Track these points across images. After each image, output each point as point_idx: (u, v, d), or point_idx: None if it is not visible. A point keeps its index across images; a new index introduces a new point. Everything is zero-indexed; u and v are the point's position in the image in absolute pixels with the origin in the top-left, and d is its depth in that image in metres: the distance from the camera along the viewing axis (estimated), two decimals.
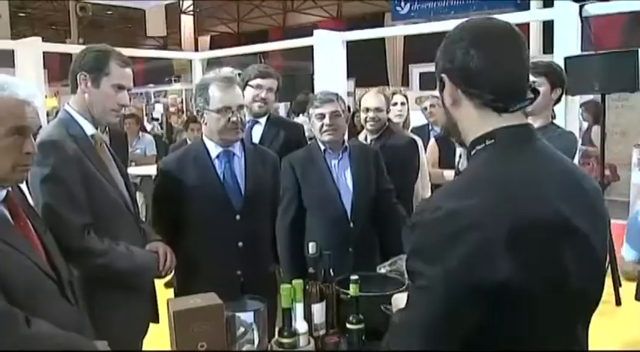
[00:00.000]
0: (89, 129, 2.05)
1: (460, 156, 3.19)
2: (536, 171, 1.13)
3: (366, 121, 3.41)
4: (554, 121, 2.84)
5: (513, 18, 4.46)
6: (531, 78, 2.61)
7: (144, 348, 2.25)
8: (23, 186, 1.75)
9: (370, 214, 2.78)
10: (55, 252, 1.67)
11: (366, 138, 3.50)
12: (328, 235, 2.60)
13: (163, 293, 2.25)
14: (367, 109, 3.40)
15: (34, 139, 1.58)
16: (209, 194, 2.31)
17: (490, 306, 1.04)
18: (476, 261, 1.02)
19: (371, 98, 3.42)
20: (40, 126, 1.62)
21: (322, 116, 2.69)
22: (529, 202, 1.07)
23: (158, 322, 2.24)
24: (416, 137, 3.89)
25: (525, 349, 1.10)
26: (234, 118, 2.28)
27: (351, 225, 2.71)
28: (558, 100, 2.74)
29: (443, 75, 1.19)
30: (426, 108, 4.59)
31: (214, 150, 2.37)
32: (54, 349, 1.48)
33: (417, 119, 4.82)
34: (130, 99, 2.14)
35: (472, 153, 1.18)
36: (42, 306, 1.52)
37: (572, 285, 1.10)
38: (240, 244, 2.32)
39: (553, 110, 2.84)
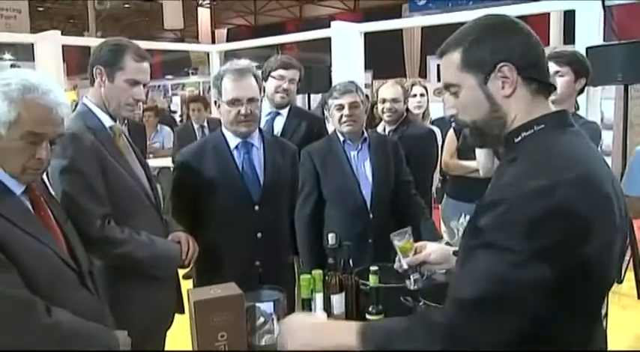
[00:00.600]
0: (107, 121, 2.06)
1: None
2: (590, 153, 1.20)
3: (383, 112, 3.43)
4: (578, 112, 2.80)
5: (534, 8, 4.42)
6: (555, 67, 2.58)
7: (167, 339, 2.26)
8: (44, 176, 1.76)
9: (389, 205, 2.77)
10: (76, 242, 1.69)
11: (384, 130, 3.49)
12: (348, 226, 2.60)
13: (182, 285, 2.26)
14: (384, 100, 3.43)
15: (53, 145, 1.56)
16: (227, 185, 2.31)
17: (566, 285, 1.08)
18: (569, 238, 1.07)
19: (388, 89, 3.45)
20: (62, 134, 1.59)
21: (341, 107, 2.69)
22: (603, 183, 1.13)
23: (183, 312, 2.25)
24: (435, 128, 3.86)
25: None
26: (243, 110, 2.27)
27: (371, 216, 2.70)
28: (582, 90, 2.70)
29: (504, 64, 1.21)
30: (440, 92, 4.56)
31: (233, 140, 2.37)
32: (74, 338, 1.50)
33: (437, 111, 4.79)
34: (147, 93, 2.14)
35: (516, 140, 1.23)
36: (62, 295, 1.53)
37: (613, 266, 1.18)
38: (259, 235, 2.33)
39: (576, 101, 2.80)
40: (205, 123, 5.83)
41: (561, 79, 2.61)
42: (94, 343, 1.55)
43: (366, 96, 2.90)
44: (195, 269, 2.41)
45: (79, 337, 1.51)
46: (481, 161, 3.13)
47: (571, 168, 1.12)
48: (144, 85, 2.09)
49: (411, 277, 1.72)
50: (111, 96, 2.04)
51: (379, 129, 3.53)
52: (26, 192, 1.56)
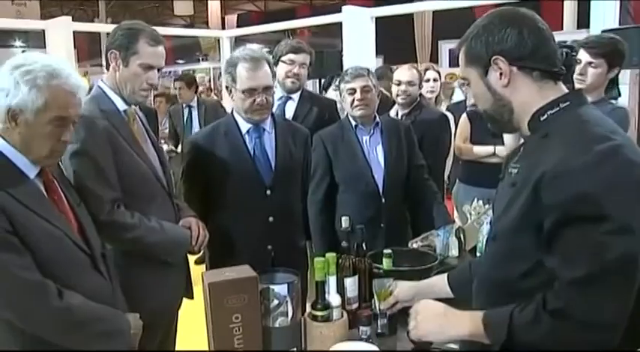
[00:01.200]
0: (121, 104, 2.06)
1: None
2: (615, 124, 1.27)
3: (397, 95, 3.42)
4: (619, 100, 2.81)
5: None
6: (588, 58, 2.57)
7: (181, 322, 2.28)
8: None
9: (402, 189, 2.77)
10: (89, 225, 1.70)
11: (397, 114, 3.48)
12: (360, 210, 2.60)
13: (194, 271, 2.28)
14: (399, 82, 3.41)
15: (73, 126, 1.60)
16: (239, 169, 2.31)
17: None
18: None
19: (404, 71, 3.43)
20: (82, 116, 1.65)
21: (353, 91, 2.68)
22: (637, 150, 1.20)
23: (192, 298, 2.27)
24: (448, 113, 3.84)
25: None
26: (259, 99, 2.27)
27: (383, 200, 2.70)
28: (615, 77, 2.71)
29: (496, 57, 1.29)
30: (463, 85, 4.54)
31: (244, 125, 2.37)
32: (85, 320, 1.52)
33: (457, 95, 4.75)
34: (159, 78, 2.13)
35: (542, 118, 1.29)
36: (74, 279, 1.55)
37: None
38: (271, 219, 2.33)
39: (618, 88, 2.79)
40: (194, 103, 5.82)
41: (593, 70, 2.60)
42: (106, 326, 1.57)
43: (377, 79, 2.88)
44: (208, 253, 2.43)
45: (90, 320, 1.53)
46: (508, 143, 3.20)
47: (617, 133, 1.20)
48: (158, 70, 2.09)
49: (379, 322, 1.80)
50: (125, 81, 2.04)
51: (392, 113, 3.51)
52: (40, 176, 1.57)
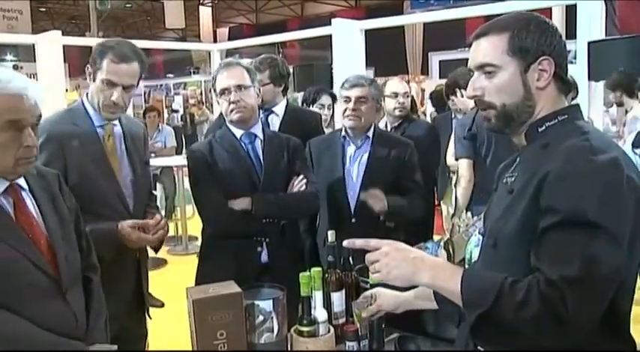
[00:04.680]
0: (98, 120, 2.08)
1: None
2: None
3: (395, 107, 3.37)
4: None
5: (537, 3, 4.39)
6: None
7: (163, 339, 2.26)
8: None
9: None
10: (69, 247, 1.60)
11: (386, 125, 3.46)
12: (330, 226, 2.48)
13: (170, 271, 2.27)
14: (396, 94, 3.36)
15: (35, 129, 1.50)
16: (238, 171, 2.31)
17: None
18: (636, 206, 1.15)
19: (397, 83, 3.42)
20: (40, 115, 1.53)
21: (348, 99, 2.59)
22: (632, 164, 1.22)
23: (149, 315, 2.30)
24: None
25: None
26: (232, 98, 2.28)
27: (353, 220, 2.57)
28: None
29: (546, 58, 1.28)
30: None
31: (237, 132, 2.37)
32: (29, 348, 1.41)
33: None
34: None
35: (540, 129, 1.30)
36: (30, 304, 1.45)
37: None
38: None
39: None
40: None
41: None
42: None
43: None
44: (200, 250, 2.47)
45: (35, 347, 1.43)
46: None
47: (613, 147, 1.22)
48: (124, 88, 2.07)
49: (361, 342, 1.76)
50: (92, 96, 2.08)
51: (381, 124, 3.47)
52: (8, 193, 1.50)
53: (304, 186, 2.35)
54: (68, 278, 1.54)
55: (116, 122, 2.16)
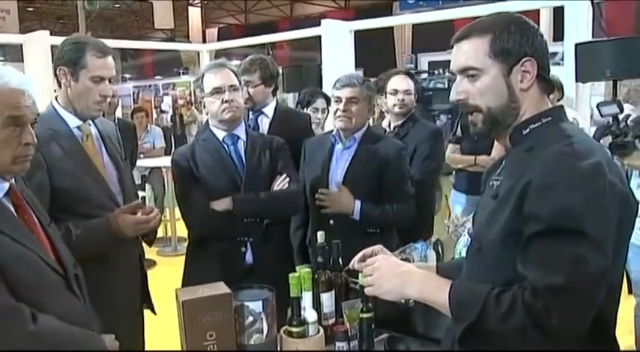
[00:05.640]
0: (74, 122, 2.05)
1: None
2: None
3: (394, 105, 3.20)
4: None
5: (524, 5, 4.42)
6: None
7: (153, 341, 2.26)
8: None
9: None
10: (62, 245, 1.65)
11: (389, 125, 3.31)
12: (312, 229, 2.52)
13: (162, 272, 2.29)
14: (396, 91, 3.19)
15: (33, 128, 1.52)
16: (221, 172, 2.34)
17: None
18: (623, 208, 1.17)
19: (400, 80, 3.23)
20: (38, 114, 1.55)
21: (339, 99, 2.55)
22: (616, 168, 1.23)
23: (153, 310, 2.31)
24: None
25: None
26: (226, 97, 2.31)
27: (331, 222, 2.52)
28: None
29: (528, 59, 1.27)
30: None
31: (220, 134, 2.41)
32: (62, 344, 1.45)
33: None
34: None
35: (524, 132, 1.29)
36: (48, 301, 1.49)
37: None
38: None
39: None
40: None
41: None
42: (82, 349, 1.51)
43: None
44: (187, 249, 2.47)
45: (66, 343, 1.47)
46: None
47: (596, 150, 1.21)
48: (109, 80, 2.07)
49: (351, 343, 1.76)
50: (78, 97, 2.02)
51: (384, 124, 3.34)
52: (8, 195, 1.52)
53: (287, 185, 2.37)
54: (69, 273, 1.59)
55: (90, 122, 2.14)
